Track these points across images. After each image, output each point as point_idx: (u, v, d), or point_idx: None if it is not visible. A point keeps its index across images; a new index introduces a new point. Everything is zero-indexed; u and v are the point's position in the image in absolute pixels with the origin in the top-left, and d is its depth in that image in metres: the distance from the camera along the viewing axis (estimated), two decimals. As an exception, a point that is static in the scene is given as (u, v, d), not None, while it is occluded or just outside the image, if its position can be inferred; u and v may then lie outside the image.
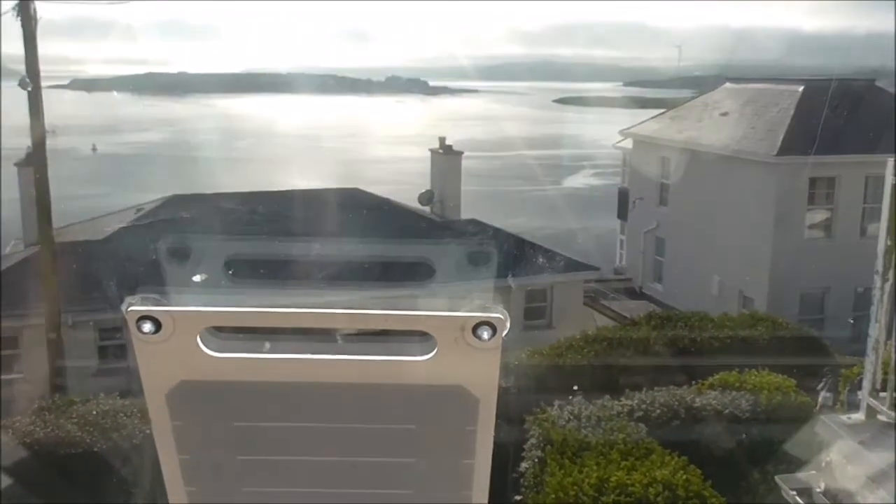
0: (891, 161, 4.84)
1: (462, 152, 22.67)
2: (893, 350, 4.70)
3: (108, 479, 8.44)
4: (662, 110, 28.08)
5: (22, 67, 14.83)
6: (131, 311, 0.76)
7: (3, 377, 15.08)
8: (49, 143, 15.39)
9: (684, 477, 7.11)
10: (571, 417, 8.45)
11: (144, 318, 0.76)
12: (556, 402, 8.77)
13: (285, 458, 0.85)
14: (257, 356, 0.79)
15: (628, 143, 27.25)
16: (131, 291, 0.80)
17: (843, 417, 4.64)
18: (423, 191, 22.37)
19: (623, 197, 27.50)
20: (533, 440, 8.37)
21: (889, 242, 4.71)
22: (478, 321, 0.77)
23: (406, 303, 0.76)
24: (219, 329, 0.79)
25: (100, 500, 8.21)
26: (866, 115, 21.30)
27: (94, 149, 64.51)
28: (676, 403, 9.16)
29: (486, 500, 0.87)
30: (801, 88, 22.66)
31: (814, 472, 4.57)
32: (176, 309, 0.76)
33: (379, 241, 0.80)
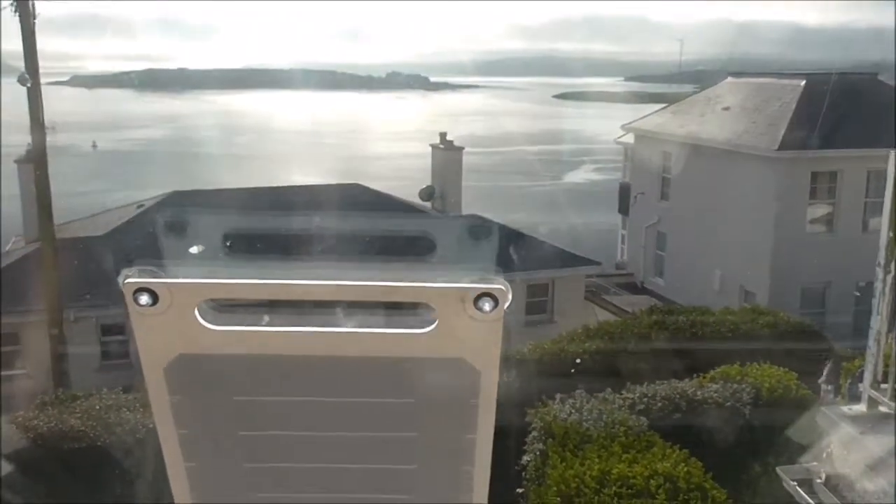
0: (892, 154, 4.83)
1: (463, 148, 22.66)
2: (895, 342, 4.70)
3: (111, 473, 8.46)
4: (664, 105, 28.04)
5: (21, 64, 14.82)
6: (128, 282, 0.75)
7: (5, 373, 15.11)
8: (49, 139, 15.38)
9: (685, 469, 7.12)
10: (573, 411, 8.45)
11: (141, 290, 0.75)
12: (558, 396, 8.78)
13: (285, 433, 0.84)
14: (256, 329, 0.78)
15: (629, 138, 27.22)
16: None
17: (845, 408, 4.65)
18: (424, 186, 22.36)
19: (624, 192, 27.49)
20: (534, 433, 8.38)
21: (891, 235, 4.71)
22: (479, 292, 0.76)
23: (406, 275, 0.76)
24: (217, 302, 0.78)
25: (103, 493, 8.23)
26: (868, 109, 21.26)
27: (94, 145, 64.54)
28: (678, 397, 9.16)
29: (488, 476, 0.86)
30: (803, 83, 22.62)
31: (815, 462, 4.58)
32: (173, 281, 0.75)
33: (379, 217, 0.79)
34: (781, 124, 21.47)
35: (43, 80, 14.92)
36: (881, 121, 19.48)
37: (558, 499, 7.10)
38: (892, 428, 4.25)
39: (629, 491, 6.87)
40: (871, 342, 4.51)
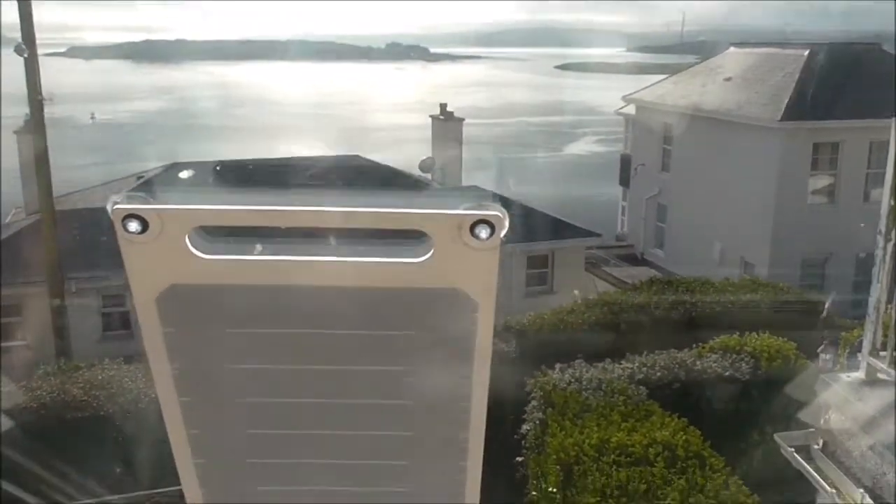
0: (894, 122, 4.80)
1: (463, 119, 22.54)
2: (894, 310, 4.71)
3: (113, 443, 8.53)
4: (665, 76, 27.84)
5: (18, 34, 14.69)
6: (116, 209, 0.73)
7: (8, 344, 15.18)
8: (48, 111, 15.30)
9: (684, 438, 7.17)
10: (572, 380, 8.50)
11: (130, 216, 0.73)
12: (558, 366, 8.82)
13: (279, 366, 0.83)
14: (249, 258, 0.76)
15: (631, 109, 27.06)
16: None
17: (843, 376, 4.66)
18: (424, 157, 22.28)
19: (625, 163, 27.40)
20: (534, 402, 8.43)
21: (892, 203, 4.70)
22: (475, 219, 0.74)
23: (401, 203, 0.75)
24: (208, 232, 0.77)
25: (105, 462, 8.31)
26: (871, 79, 21.10)
27: (92, 117, 64.18)
28: (677, 366, 9.20)
29: (485, 410, 0.85)
30: (805, 53, 22.43)
31: (812, 429, 4.61)
32: (163, 207, 0.74)
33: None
34: (784, 95, 21.33)
35: (40, 51, 14.80)
36: (884, 91, 19.34)
37: (557, 467, 7.16)
38: (891, 395, 4.27)
39: (628, 459, 6.93)
40: (870, 310, 4.52)
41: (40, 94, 14.52)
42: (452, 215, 0.74)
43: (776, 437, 4.99)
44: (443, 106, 22.25)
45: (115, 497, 8.36)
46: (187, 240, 0.75)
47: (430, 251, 0.76)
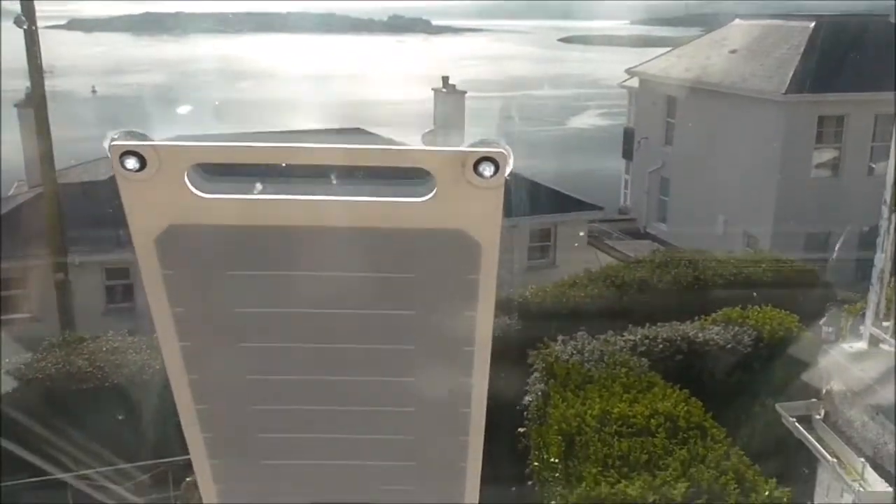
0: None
1: (465, 92, 22.39)
2: (897, 281, 4.71)
3: (118, 413, 8.60)
4: (669, 48, 27.60)
5: (17, 6, 14.56)
6: (114, 145, 0.72)
7: (12, 317, 15.24)
8: (48, 84, 15.21)
9: (686, 409, 7.21)
10: (574, 352, 8.53)
11: (128, 153, 0.73)
12: (560, 338, 8.84)
13: (281, 309, 0.81)
14: (249, 197, 0.75)
15: (634, 83, 26.86)
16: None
17: (846, 346, 4.67)
18: (427, 131, 22.17)
19: (628, 137, 27.26)
20: (536, 374, 8.47)
21: (897, 173, 4.67)
22: (479, 156, 0.73)
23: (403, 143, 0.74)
24: (207, 171, 0.76)
25: (110, 432, 8.38)
26: (878, 52, 20.91)
27: (94, 91, 63.79)
28: (679, 339, 9.24)
29: (489, 355, 0.84)
30: (811, 25, 22.20)
31: (814, 400, 4.63)
32: (161, 143, 0.73)
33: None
34: (789, 67, 21.16)
35: (40, 23, 14.69)
36: (890, 64, 19.17)
37: (559, 437, 7.21)
38: (893, 364, 4.28)
39: (630, 429, 6.97)
40: (874, 280, 4.52)
41: (42, 66, 14.44)
42: (456, 152, 0.73)
43: (778, 407, 5.01)
44: (445, 79, 22.10)
45: (127, 466, 8.45)
46: (186, 178, 0.74)
47: (433, 190, 0.74)
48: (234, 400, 0.89)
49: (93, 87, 64.31)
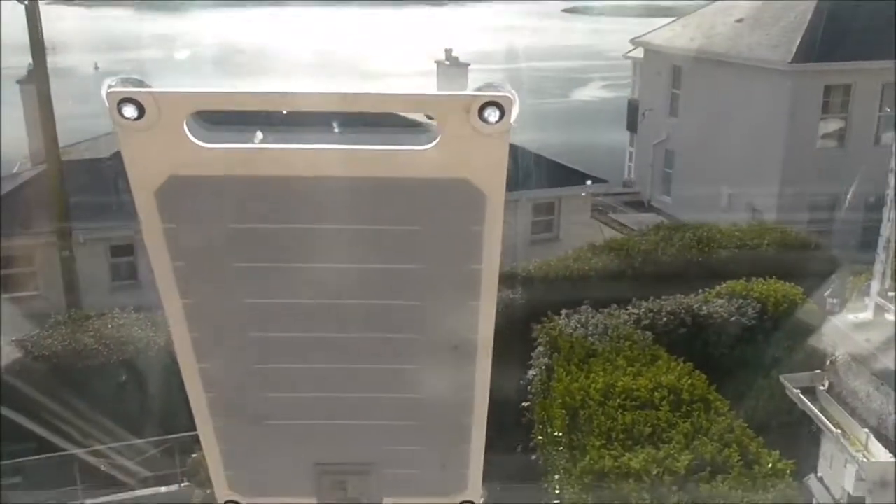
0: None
1: (468, 64, 22.21)
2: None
3: (123, 388, 8.66)
4: (674, 18, 27.28)
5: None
6: (111, 92, 0.70)
7: (18, 295, 15.30)
8: (50, 61, 15.13)
9: (689, 382, 7.22)
10: (578, 326, 8.53)
11: (126, 100, 0.70)
12: (564, 312, 8.84)
13: (283, 264, 0.79)
14: (250, 147, 0.73)
15: (639, 53, 26.60)
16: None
17: (851, 317, 4.65)
18: (430, 104, 22.04)
19: (632, 108, 27.06)
20: (540, 348, 8.48)
21: (904, 143, 4.62)
22: (484, 101, 0.71)
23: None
24: (207, 121, 0.74)
25: (116, 407, 8.44)
26: (885, 20, 20.63)
27: (96, 67, 63.52)
28: (683, 311, 9.22)
29: (493, 309, 0.81)
30: (818, -8, 21.90)
31: (818, 371, 4.62)
32: (160, 91, 0.71)
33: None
34: (795, 36, 20.90)
35: (40, -2, 14.57)
36: (898, 32, 18.93)
37: (563, 411, 7.23)
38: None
39: (633, 403, 6.99)
40: (880, 250, 4.48)
41: (44, 43, 14.35)
42: (460, 97, 0.71)
43: (782, 378, 5.00)
44: (448, 51, 21.93)
45: (134, 441, 8.52)
46: (186, 128, 0.72)
47: (436, 138, 0.72)
48: (237, 358, 0.87)
49: (95, 63, 64.02)
